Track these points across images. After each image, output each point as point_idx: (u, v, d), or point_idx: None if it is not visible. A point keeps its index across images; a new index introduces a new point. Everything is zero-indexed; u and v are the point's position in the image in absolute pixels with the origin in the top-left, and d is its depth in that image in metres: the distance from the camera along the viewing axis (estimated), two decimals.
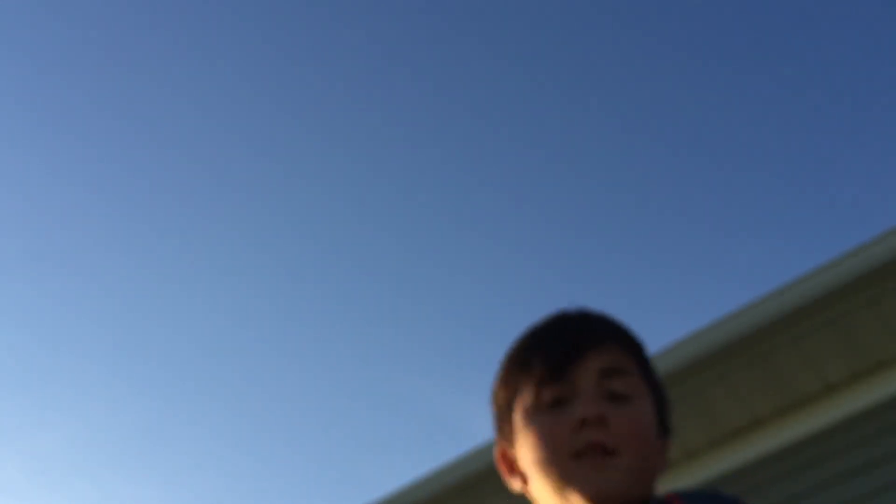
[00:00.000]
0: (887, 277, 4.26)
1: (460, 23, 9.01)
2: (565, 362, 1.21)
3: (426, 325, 10.36)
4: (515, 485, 1.25)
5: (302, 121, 9.39)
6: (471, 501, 4.92)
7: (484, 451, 4.78)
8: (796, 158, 9.15)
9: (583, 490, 1.14)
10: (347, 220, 9.60)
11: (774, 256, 9.38)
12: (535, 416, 1.20)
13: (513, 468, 1.25)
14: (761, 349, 4.46)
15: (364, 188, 9.54)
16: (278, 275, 10.00)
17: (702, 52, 8.95)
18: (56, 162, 9.30)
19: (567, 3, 8.96)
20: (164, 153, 9.22)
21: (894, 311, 4.32)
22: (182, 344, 10.21)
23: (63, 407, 10.25)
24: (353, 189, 9.58)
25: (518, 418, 1.23)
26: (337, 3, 8.98)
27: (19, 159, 9.20)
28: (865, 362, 4.43)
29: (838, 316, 4.36)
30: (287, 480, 10.87)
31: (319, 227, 9.88)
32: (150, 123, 9.11)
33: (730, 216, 9.34)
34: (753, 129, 9.01)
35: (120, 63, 8.94)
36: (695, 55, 8.96)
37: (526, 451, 1.20)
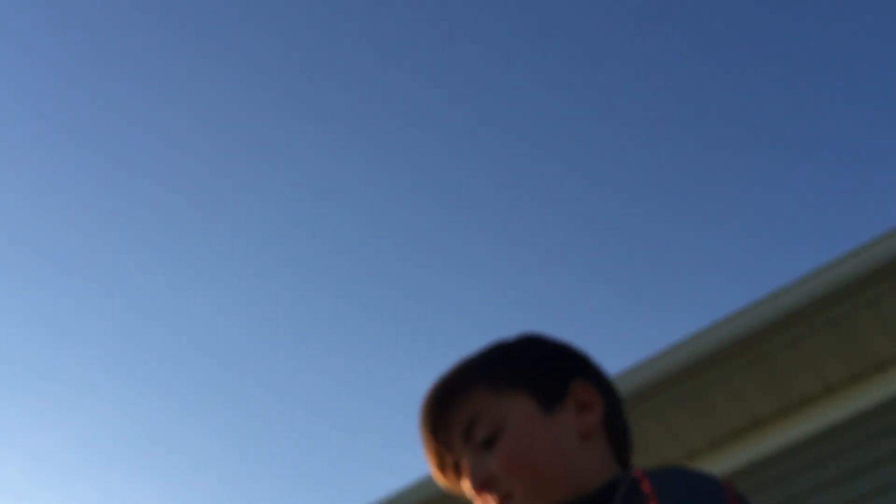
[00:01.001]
0: (887, 278, 4.27)
1: (462, 22, 9.01)
2: (438, 461, 1.28)
3: (428, 324, 10.37)
4: None
5: (303, 122, 9.39)
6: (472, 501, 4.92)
7: None
8: (796, 158, 9.16)
9: None
10: (347, 219, 9.61)
11: (775, 257, 9.39)
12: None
13: None
14: (761, 350, 4.47)
15: (364, 186, 9.55)
16: (279, 274, 10.01)
17: (703, 52, 8.96)
18: (56, 161, 9.30)
19: (567, 4, 8.97)
20: (165, 153, 9.23)
21: (894, 311, 4.32)
22: (183, 343, 10.22)
23: (63, 407, 10.25)
24: (354, 187, 9.59)
25: None
26: (336, 3, 8.99)
27: (19, 159, 9.20)
28: (865, 363, 4.44)
29: (838, 317, 4.36)
30: (288, 480, 10.88)
31: (319, 226, 9.88)
32: (150, 123, 9.11)
33: (730, 216, 9.35)
34: (754, 129, 9.01)
35: (119, 62, 8.95)
36: (696, 54, 8.97)
37: None
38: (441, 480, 1.30)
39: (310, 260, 10.03)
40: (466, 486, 1.26)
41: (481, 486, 1.21)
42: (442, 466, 1.28)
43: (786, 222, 9.38)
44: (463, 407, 1.25)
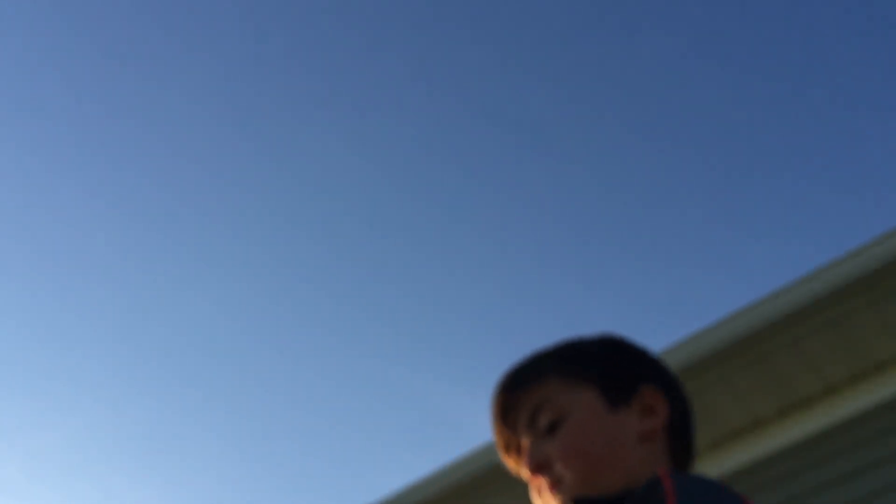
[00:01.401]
0: (888, 278, 4.27)
1: (464, 22, 9.02)
2: (504, 442, 1.35)
3: (430, 323, 10.37)
4: None
5: (304, 122, 9.40)
6: (474, 501, 4.92)
7: (488, 451, 4.79)
8: (797, 159, 9.16)
9: None
10: (351, 219, 9.61)
11: (775, 257, 9.39)
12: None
13: None
14: (761, 350, 4.47)
15: (369, 186, 9.55)
16: (282, 273, 10.01)
17: (706, 52, 8.96)
18: (56, 161, 9.31)
19: (566, 3, 8.97)
20: (165, 153, 9.23)
21: (895, 312, 4.32)
22: (184, 343, 10.22)
23: (63, 406, 10.25)
24: (358, 187, 9.59)
25: None
26: (335, 3, 8.99)
27: (19, 159, 9.21)
28: (866, 363, 4.44)
29: (839, 317, 4.36)
30: (290, 480, 10.88)
31: (321, 225, 9.88)
32: (150, 124, 9.11)
33: (730, 217, 9.34)
34: (755, 130, 9.01)
35: (119, 61, 8.95)
36: (699, 54, 8.97)
37: None
38: (505, 461, 1.37)
39: (312, 259, 10.04)
40: (524, 469, 1.32)
41: (536, 468, 1.27)
42: (507, 447, 1.35)
43: (786, 222, 9.38)
44: (533, 393, 1.32)
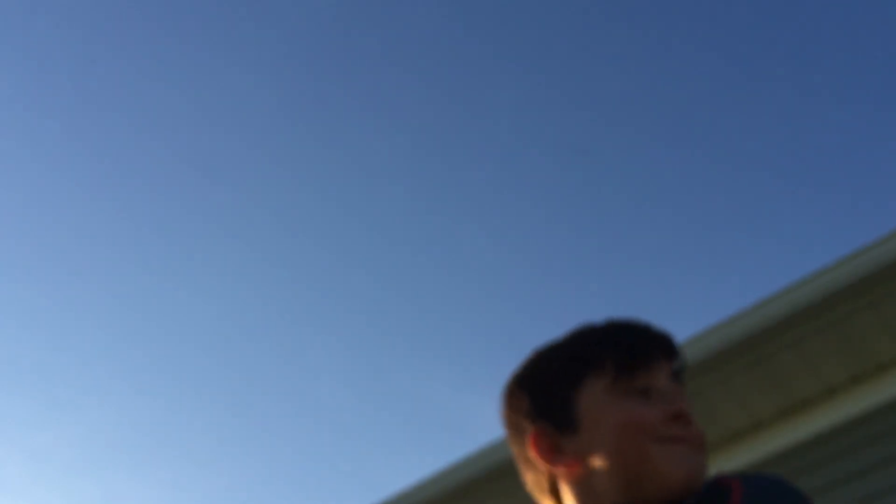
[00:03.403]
0: (888, 280, 4.27)
1: (462, 21, 9.03)
2: (648, 355, 1.29)
3: (434, 324, 10.38)
4: (558, 470, 1.29)
5: (305, 123, 9.41)
6: (477, 501, 4.93)
7: (491, 451, 4.80)
8: (797, 160, 9.17)
9: (674, 470, 1.20)
10: (356, 222, 9.62)
11: (775, 259, 9.40)
12: (620, 401, 1.26)
13: (556, 453, 1.29)
14: (761, 352, 4.48)
15: (373, 189, 9.56)
16: (285, 273, 10.02)
17: (708, 53, 8.97)
18: (56, 161, 9.32)
19: (565, 3, 8.98)
20: (166, 153, 9.24)
21: (895, 313, 4.33)
22: (186, 342, 10.23)
23: (65, 405, 10.27)
24: (363, 190, 9.60)
25: (589, 403, 1.28)
26: (333, 2, 9.00)
27: (19, 158, 9.22)
28: (866, 365, 4.44)
29: (839, 319, 4.37)
30: (293, 479, 10.89)
31: (324, 226, 9.89)
32: (150, 124, 9.12)
33: (730, 219, 9.35)
34: (756, 131, 9.02)
35: (117, 61, 8.96)
36: (701, 55, 8.98)
37: (603, 434, 1.25)
38: (605, 380, 1.29)
39: (316, 262, 10.04)
40: (651, 406, 1.26)
41: (689, 415, 1.25)
42: (649, 367, 1.29)
43: (786, 224, 9.39)
44: (679, 363, 1.32)
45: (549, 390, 1.31)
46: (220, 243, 9.75)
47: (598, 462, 1.24)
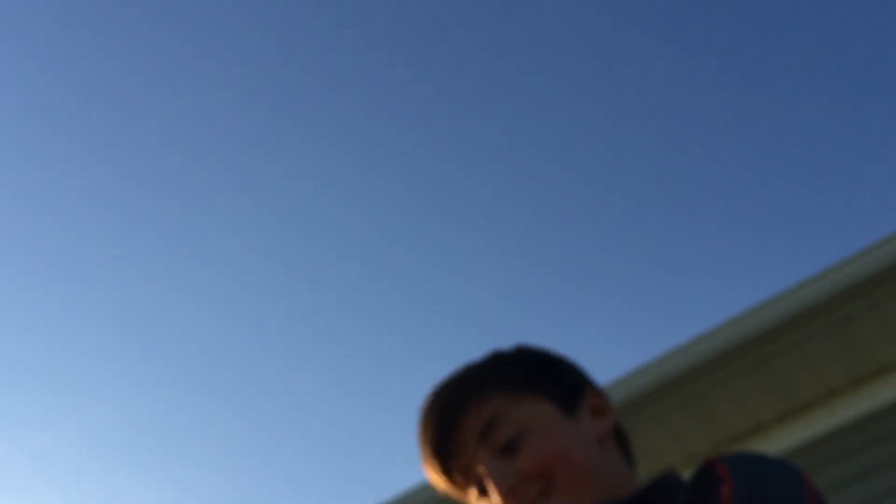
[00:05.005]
0: (889, 282, 4.28)
1: (458, 19, 9.03)
2: (440, 465, 1.24)
3: (437, 323, 10.38)
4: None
5: (312, 127, 9.42)
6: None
7: None
8: (798, 162, 9.17)
9: None
10: (358, 220, 9.63)
11: (775, 261, 9.40)
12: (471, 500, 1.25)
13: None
14: (762, 354, 4.48)
15: (372, 189, 9.57)
16: (286, 272, 10.03)
17: (707, 53, 8.97)
18: (55, 160, 9.33)
19: (564, 2, 8.98)
20: (166, 153, 9.25)
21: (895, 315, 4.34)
22: (188, 342, 10.24)
23: (66, 405, 10.28)
24: (365, 190, 9.61)
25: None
26: (337, 3, 9.01)
27: (19, 158, 9.23)
28: (867, 367, 4.45)
29: (840, 321, 4.37)
30: (295, 479, 10.89)
31: (326, 227, 9.90)
32: (152, 125, 9.14)
33: (732, 220, 9.36)
34: (756, 133, 9.03)
35: (117, 60, 8.97)
36: (701, 55, 8.98)
37: None
38: (443, 486, 1.26)
39: (316, 260, 10.05)
40: (475, 493, 1.23)
41: (510, 490, 1.17)
42: (447, 471, 1.24)
43: (787, 226, 9.39)
44: (479, 410, 1.22)
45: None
46: (221, 243, 9.76)
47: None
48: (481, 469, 1.21)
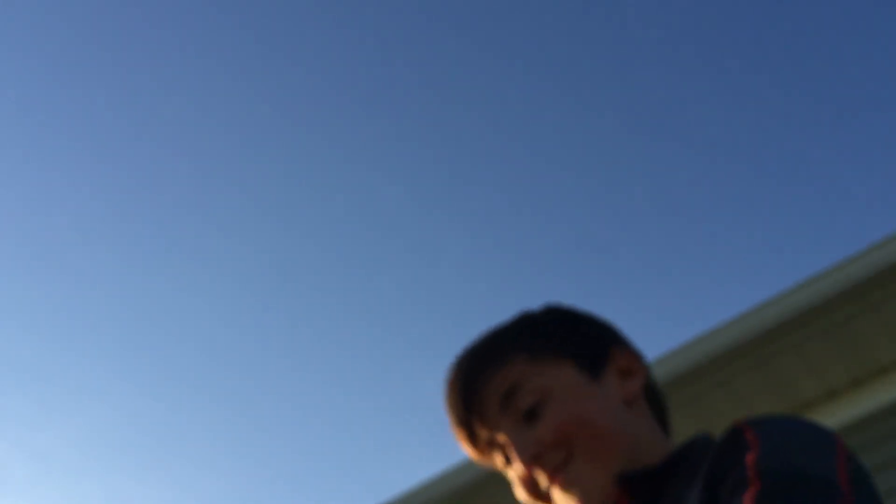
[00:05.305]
0: (889, 283, 4.28)
1: (454, 18, 9.03)
2: (467, 433, 1.23)
3: (438, 323, 10.38)
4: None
5: (312, 127, 9.42)
6: (481, 500, 4.93)
7: None
8: (798, 162, 9.18)
9: None
10: (359, 219, 9.62)
11: (776, 262, 9.41)
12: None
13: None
14: (762, 354, 4.48)
15: (373, 189, 9.57)
16: (287, 273, 10.02)
17: (705, 53, 8.98)
18: (56, 160, 9.33)
19: (563, 2, 8.98)
20: (166, 153, 9.25)
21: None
22: (188, 342, 10.24)
23: (66, 405, 10.27)
24: (366, 190, 9.61)
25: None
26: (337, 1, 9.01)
27: (19, 158, 9.23)
28: (867, 368, 4.45)
29: (840, 321, 4.37)
30: (295, 479, 10.89)
31: (326, 227, 9.90)
32: (152, 125, 9.13)
33: (732, 221, 9.36)
34: (756, 133, 9.03)
35: (117, 60, 8.97)
36: (698, 55, 8.98)
37: None
38: (472, 455, 1.24)
39: (319, 259, 10.05)
40: (501, 461, 1.22)
41: (532, 458, 1.15)
42: (474, 441, 1.22)
43: (788, 226, 9.40)
44: (501, 377, 1.20)
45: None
46: (221, 243, 9.76)
47: None
48: (503, 438, 1.19)
